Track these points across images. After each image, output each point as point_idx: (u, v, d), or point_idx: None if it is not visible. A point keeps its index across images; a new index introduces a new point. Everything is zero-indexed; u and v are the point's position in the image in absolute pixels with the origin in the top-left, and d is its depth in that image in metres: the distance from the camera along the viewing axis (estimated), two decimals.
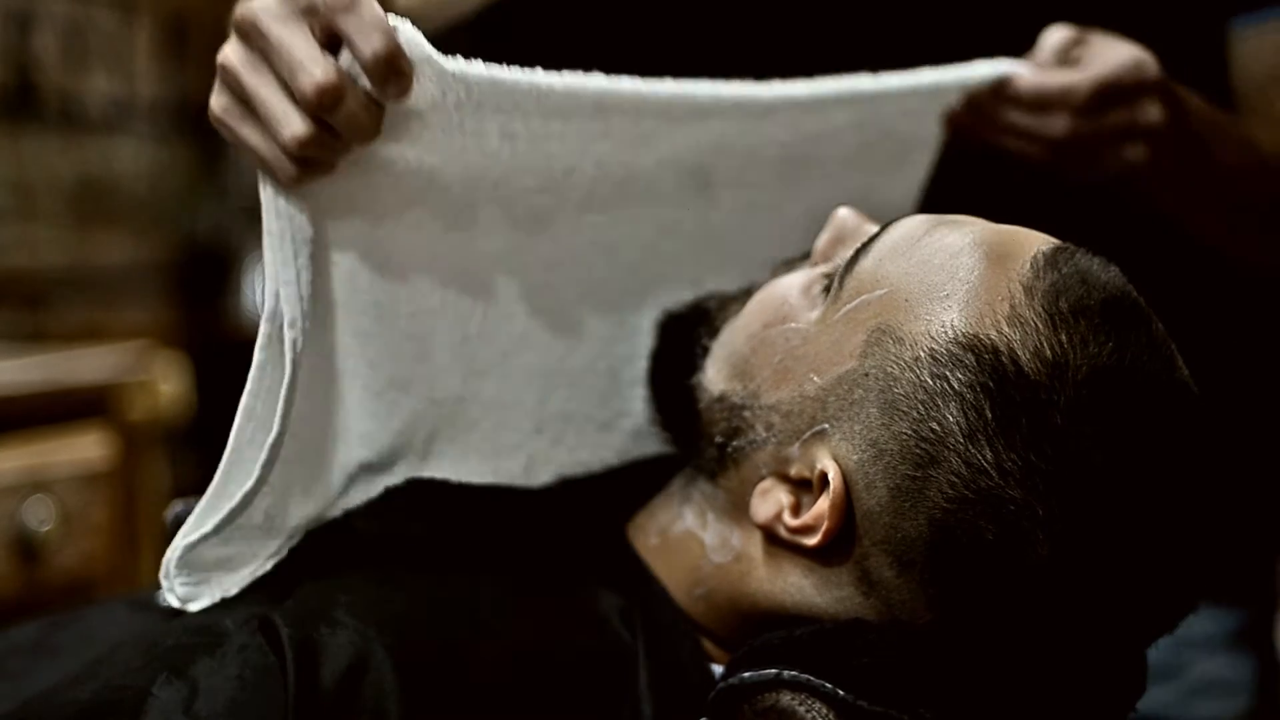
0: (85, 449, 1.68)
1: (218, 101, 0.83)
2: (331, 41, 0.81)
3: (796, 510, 0.84)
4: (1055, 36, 1.07)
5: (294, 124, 0.80)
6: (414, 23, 0.81)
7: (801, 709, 0.79)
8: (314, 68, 0.79)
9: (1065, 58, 1.06)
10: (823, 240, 0.92)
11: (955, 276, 0.82)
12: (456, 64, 0.83)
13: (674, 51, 1.04)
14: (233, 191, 2.62)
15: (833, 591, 0.84)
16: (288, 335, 0.83)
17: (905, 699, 0.78)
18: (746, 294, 0.93)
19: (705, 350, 0.92)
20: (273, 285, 0.83)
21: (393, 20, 0.80)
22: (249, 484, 0.85)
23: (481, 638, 0.84)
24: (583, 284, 0.98)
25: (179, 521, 0.94)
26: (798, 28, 1.24)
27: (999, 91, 1.05)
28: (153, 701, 0.78)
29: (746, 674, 0.81)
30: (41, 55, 2.28)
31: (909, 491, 0.79)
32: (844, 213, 0.92)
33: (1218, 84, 1.18)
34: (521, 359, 0.97)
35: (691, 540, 0.90)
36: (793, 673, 0.79)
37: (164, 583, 0.87)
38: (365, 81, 0.81)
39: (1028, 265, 0.81)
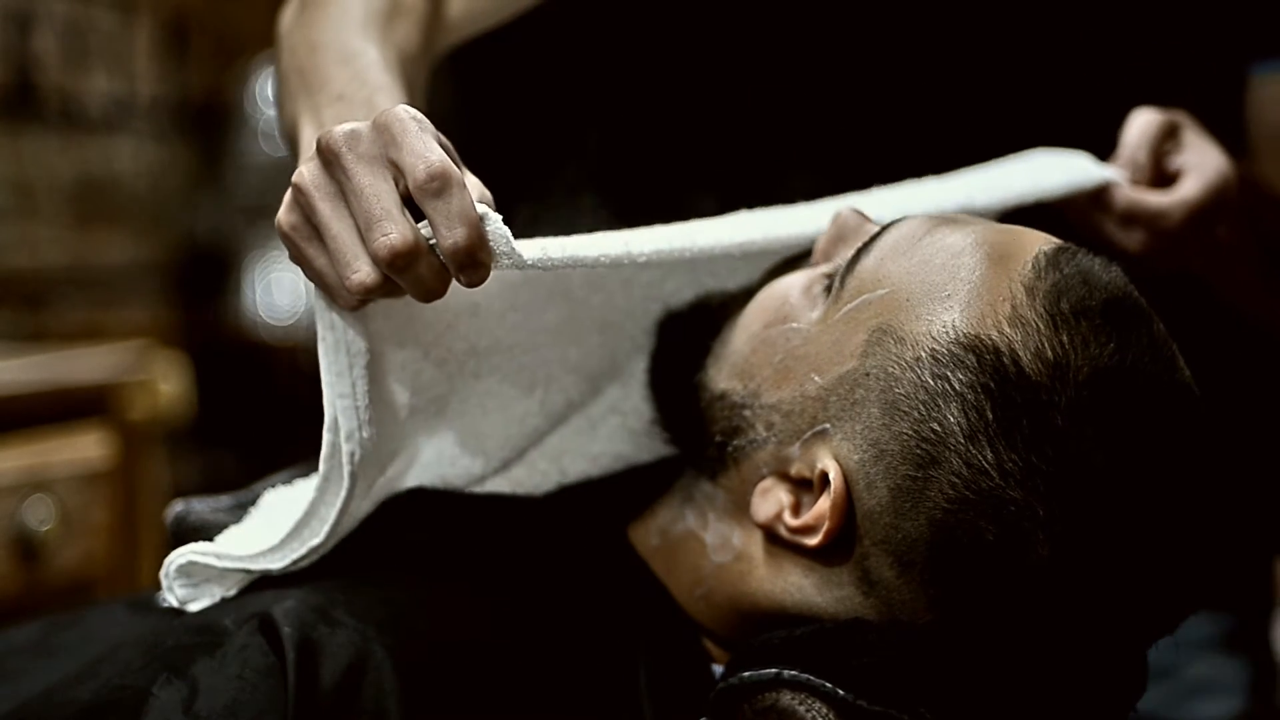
0: (85, 449, 1.68)
1: (287, 218, 0.79)
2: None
3: (797, 510, 0.84)
4: (1144, 126, 1.04)
5: (362, 271, 0.77)
6: (468, 25, 0.78)
7: (801, 709, 0.79)
8: (390, 226, 0.76)
9: (1159, 151, 1.04)
10: (824, 240, 0.92)
11: (957, 276, 0.82)
12: (536, 251, 0.81)
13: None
14: (233, 191, 2.62)
15: (833, 591, 0.84)
16: (345, 448, 0.82)
17: (905, 699, 0.78)
18: (748, 293, 0.93)
19: (706, 349, 0.92)
20: (330, 395, 0.82)
21: (480, 208, 0.77)
22: (274, 566, 0.86)
23: (481, 638, 0.84)
24: (635, 337, 0.98)
25: (179, 521, 0.95)
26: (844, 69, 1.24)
27: (1094, 195, 1.04)
28: (153, 701, 0.78)
29: (746, 674, 0.81)
30: (41, 55, 2.28)
31: (910, 492, 0.79)
32: (845, 212, 0.92)
33: (1234, 129, 1.17)
34: (572, 422, 0.98)
35: (692, 540, 0.90)
36: (793, 672, 0.80)
37: (164, 582, 0.87)
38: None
39: (1029, 265, 0.81)
